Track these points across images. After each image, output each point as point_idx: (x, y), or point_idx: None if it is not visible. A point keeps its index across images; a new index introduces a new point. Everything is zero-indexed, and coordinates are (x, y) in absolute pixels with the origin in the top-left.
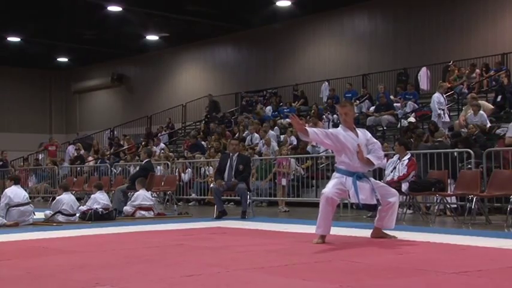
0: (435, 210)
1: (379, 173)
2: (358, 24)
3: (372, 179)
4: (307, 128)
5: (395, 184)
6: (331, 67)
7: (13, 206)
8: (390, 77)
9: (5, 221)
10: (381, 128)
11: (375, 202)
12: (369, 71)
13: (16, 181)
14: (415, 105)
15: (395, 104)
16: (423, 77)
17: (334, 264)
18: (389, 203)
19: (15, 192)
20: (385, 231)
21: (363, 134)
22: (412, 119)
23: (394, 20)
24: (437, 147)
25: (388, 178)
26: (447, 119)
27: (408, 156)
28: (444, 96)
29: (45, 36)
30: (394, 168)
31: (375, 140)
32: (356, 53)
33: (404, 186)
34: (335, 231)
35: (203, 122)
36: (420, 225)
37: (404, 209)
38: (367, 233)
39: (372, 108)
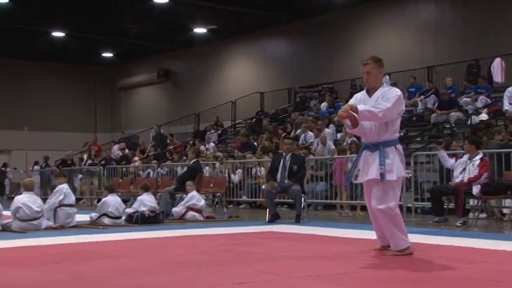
0: (511, 215)
1: (446, 174)
2: (423, 12)
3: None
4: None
5: (466, 187)
6: (392, 59)
7: (63, 206)
8: (459, 69)
9: (51, 223)
10: (449, 126)
11: (374, 176)
12: (435, 63)
13: (66, 178)
14: (488, 99)
15: (464, 99)
16: (497, 68)
17: (397, 273)
18: (376, 212)
19: (70, 191)
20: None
21: (381, 94)
22: (484, 115)
23: (463, 7)
24: None
25: (457, 180)
26: None
27: (480, 156)
28: None
29: (90, 30)
30: (464, 169)
31: (389, 96)
32: (420, 43)
33: (476, 189)
34: None
35: (254, 119)
36: (494, 231)
37: (476, 214)
38: (433, 239)
39: None
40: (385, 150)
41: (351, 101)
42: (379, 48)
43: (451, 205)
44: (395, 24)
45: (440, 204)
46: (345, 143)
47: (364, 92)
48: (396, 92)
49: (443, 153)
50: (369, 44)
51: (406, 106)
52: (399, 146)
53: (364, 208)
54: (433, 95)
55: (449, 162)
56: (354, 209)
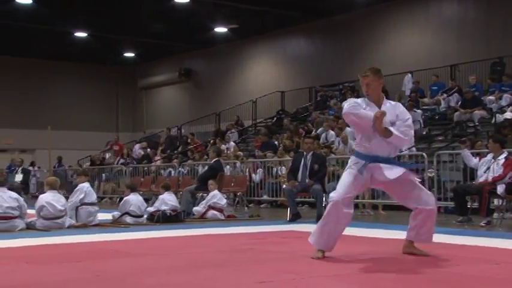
0: None
1: (470, 174)
2: (446, 10)
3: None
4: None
5: (490, 186)
6: (414, 57)
7: (83, 205)
8: (482, 67)
9: (74, 222)
10: (472, 124)
11: (400, 172)
12: (458, 61)
13: (87, 177)
14: None
15: (489, 98)
16: None
17: (420, 273)
18: (424, 211)
19: (90, 190)
20: (417, 247)
21: (392, 109)
22: (509, 114)
23: (487, 4)
24: None
25: (481, 179)
26: None
27: (504, 154)
28: None
29: (111, 31)
30: (488, 168)
31: (407, 117)
32: (443, 41)
33: (500, 189)
34: None
35: (275, 118)
36: None
37: (501, 214)
38: (457, 239)
39: None
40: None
41: (351, 103)
42: (401, 46)
43: (475, 205)
44: (417, 22)
45: (463, 203)
46: None
47: (367, 100)
48: (408, 114)
49: (466, 152)
50: (391, 42)
51: (428, 105)
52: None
53: (386, 207)
54: (456, 94)
55: (473, 161)
56: (375, 208)
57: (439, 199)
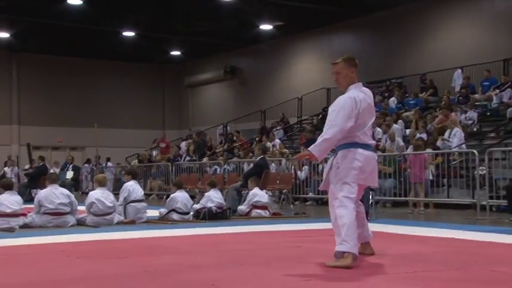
0: None
1: None
2: (499, 3)
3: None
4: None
5: None
6: (465, 52)
7: (130, 202)
8: None
9: (123, 218)
10: None
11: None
12: (511, 55)
13: (134, 175)
14: None
15: None
16: None
17: (471, 273)
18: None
19: (134, 187)
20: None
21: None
22: None
23: None
24: None
25: None
26: None
27: None
28: None
29: (158, 29)
30: None
31: (331, 109)
32: (495, 35)
33: None
34: (471, 236)
35: (320, 115)
36: None
37: None
38: (510, 239)
39: None
40: (338, 153)
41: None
42: (452, 41)
43: None
44: (468, 16)
45: None
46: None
47: None
48: (337, 104)
49: None
50: (441, 36)
51: (479, 101)
52: (355, 150)
53: (436, 205)
54: (509, 89)
55: None
56: (425, 206)
57: (490, 197)
